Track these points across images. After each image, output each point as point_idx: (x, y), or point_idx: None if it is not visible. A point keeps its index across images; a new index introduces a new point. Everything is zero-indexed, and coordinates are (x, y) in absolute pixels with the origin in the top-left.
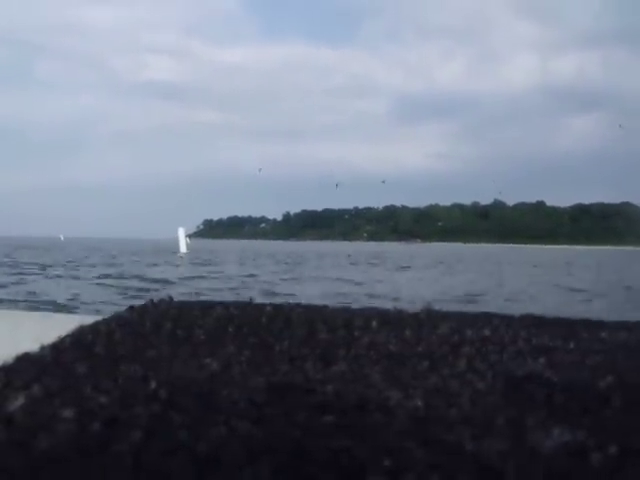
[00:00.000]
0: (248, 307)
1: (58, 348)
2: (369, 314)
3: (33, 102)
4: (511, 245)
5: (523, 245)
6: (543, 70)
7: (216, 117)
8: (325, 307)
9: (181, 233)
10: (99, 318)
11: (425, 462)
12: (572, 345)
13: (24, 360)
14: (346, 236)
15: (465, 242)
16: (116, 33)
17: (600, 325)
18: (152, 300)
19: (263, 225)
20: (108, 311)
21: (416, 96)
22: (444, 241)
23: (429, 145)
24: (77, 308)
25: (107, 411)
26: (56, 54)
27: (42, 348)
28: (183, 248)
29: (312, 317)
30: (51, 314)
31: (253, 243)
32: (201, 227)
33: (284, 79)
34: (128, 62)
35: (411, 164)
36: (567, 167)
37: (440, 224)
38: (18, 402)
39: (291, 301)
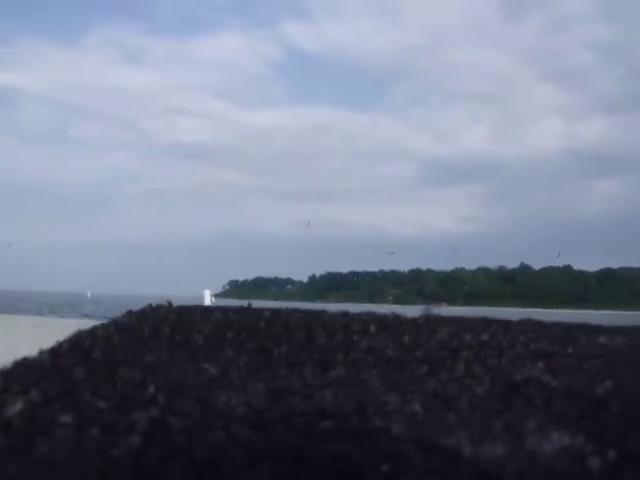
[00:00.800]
0: (246, 312)
1: (56, 353)
2: (367, 319)
3: (67, 160)
4: (538, 310)
5: (550, 310)
6: (568, 134)
7: (244, 178)
8: (323, 312)
9: (206, 295)
10: (97, 323)
11: (423, 467)
12: (570, 350)
13: (22, 365)
14: (371, 299)
15: (490, 306)
16: (148, 95)
17: (598, 330)
18: (150, 305)
19: (289, 287)
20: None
21: (442, 159)
22: (469, 305)
23: (455, 208)
24: None
25: (106, 416)
26: (90, 114)
27: (40, 353)
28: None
29: (310, 322)
30: (49, 319)
31: (278, 304)
32: (227, 287)
33: (311, 142)
34: (159, 123)
35: (437, 227)
36: (593, 230)
37: (466, 288)
38: (16, 407)
39: None
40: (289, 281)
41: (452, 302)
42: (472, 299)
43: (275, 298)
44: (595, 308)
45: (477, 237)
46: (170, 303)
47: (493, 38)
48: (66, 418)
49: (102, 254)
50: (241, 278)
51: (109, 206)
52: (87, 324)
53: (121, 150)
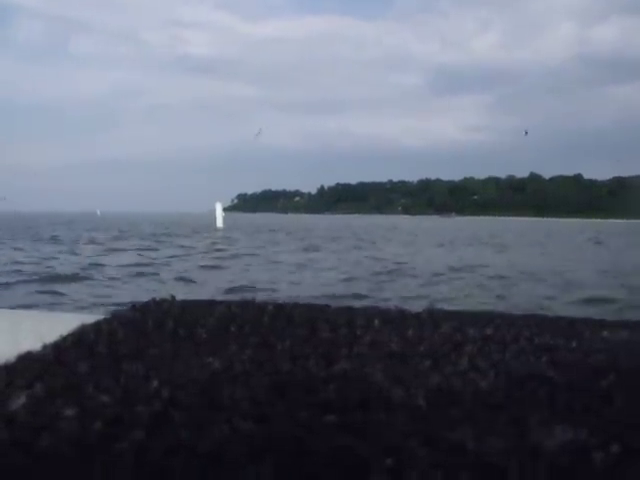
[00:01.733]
0: (250, 306)
1: (60, 347)
2: (371, 313)
3: (68, 77)
4: (549, 219)
5: (560, 219)
6: (583, 39)
7: (250, 91)
8: (327, 306)
9: (218, 208)
10: (101, 317)
11: (427, 461)
12: (574, 344)
13: (26, 359)
14: (380, 209)
15: (500, 215)
16: (149, 8)
17: (602, 324)
18: (154, 299)
19: (297, 199)
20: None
21: (452, 68)
22: (479, 215)
23: (465, 117)
24: None
25: (109, 410)
26: (91, 29)
27: (44, 347)
28: (220, 223)
29: (314, 316)
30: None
31: (287, 217)
32: (235, 201)
33: (318, 52)
34: (161, 36)
35: (446, 137)
36: (606, 139)
37: (475, 197)
38: (20, 401)
39: None
40: (297, 193)
41: (461, 211)
42: (481, 209)
43: (283, 211)
44: (605, 217)
45: (486, 146)
46: (173, 297)
47: None
48: (70, 412)
49: (109, 172)
50: (249, 191)
51: (113, 123)
52: (91, 318)
53: (123, 65)
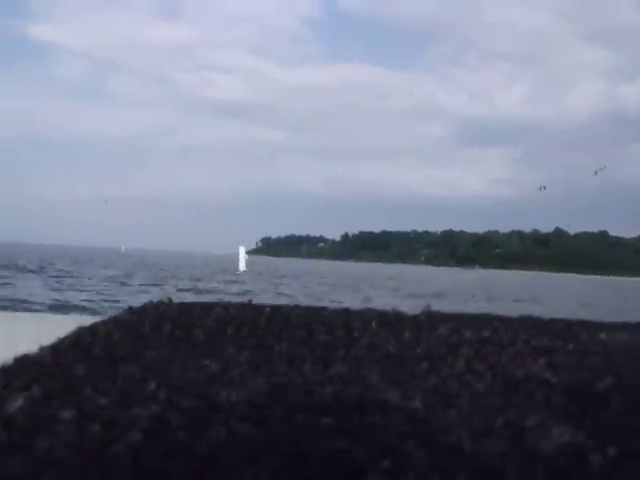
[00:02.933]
0: (247, 308)
1: (57, 349)
2: (368, 315)
3: (103, 115)
4: (573, 275)
5: (585, 276)
6: (610, 96)
7: (278, 136)
8: (324, 309)
9: (242, 252)
10: (98, 319)
11: (424, 463)
12: (571, 346)
13: (23, 361)
14: (403, 259)
15: (523, 270)
16: (183, 51)
17: (599, 326)
18: (151, 301)
19: (321, 245)
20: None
21: (479, 120)
22: (502, 268)
23: (490, 170)
24: None
25: (106, 412)
26: (127, 70)
27: (41, 349)
28: (243, 266)
29: (311, 318)
30: (49, 315)
31: (311, 263)
32: (259, 244)
33: (347, 100)
34: (194, 79)
35: (471, 189)
36: (633, 197)
37: (498, 251)
38: (17, 403)
39: None
40: (321, 239)
41: (484, 264)
42: (505, 262)
43: (307, 256)
44: (631, 275)
45: (511, 200)
46: (170, 299)
47: None
48: (67, 414)
49: (138, 209)
50: (274, 235)
51: (144, 161)
52: (88, 320)
53: (157, 106)
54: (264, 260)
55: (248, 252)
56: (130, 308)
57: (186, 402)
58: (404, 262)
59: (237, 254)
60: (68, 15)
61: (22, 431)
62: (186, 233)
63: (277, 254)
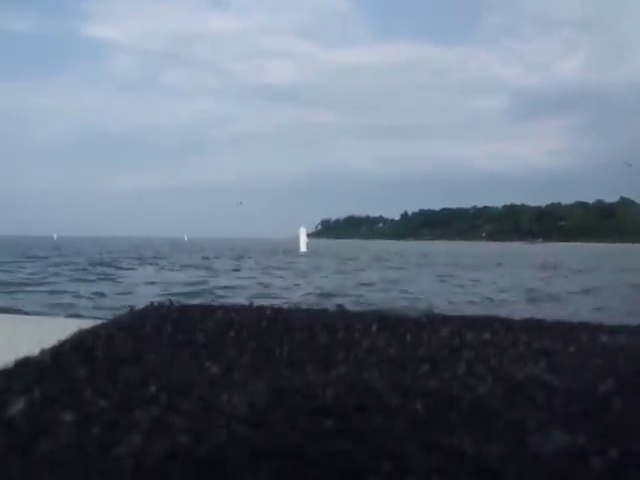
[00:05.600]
0: (248, 311)
1: (58, 352)
2: (369, 318)
3: (157, 108)
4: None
5: None
6: None
7: (332, 117)
8: (325, 311)
9: (302, 233)
10: (99, 322)
11: (425, 466)
12: (572, 349)
13: (24, 364)
14: (464, 235)
15: (588, 242)
16: (234, 39)
17: (600, 329)
18: (152, 303)
19: (380, 225)
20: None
21: (536, 91)
22: (566, 241)
23: (550, 141)
24: None
25: (107, 415)
26: (179, 61)
27: (42, 352)
28: (303, 247)
29: (312, 321)
30: (51, 318)
31: (370, 243)
32: (319, 227)
33: (399, 78)
34: (246, 67)
35: (531, 161)
36: None
37: (562, 223)
38: (18, 406)
39: None
40: (381, 219)
41: (547, 238)
42: (569, 235)
43: (367, 237)
44: None
45: (573, 170)
46: (171, 301)
47: None
48: (68, 417)
49: (196, 198)
50: (333, 218)
51: (200, 150)
52: (89, 323)
53: (210, 95)
54: (324, 243)
55: (308, 235)
56: (131, 310)
57: (187, 405)
58: (466, 239)
59: (296, 238)
60: (121, 12)
61: (23, 434)
62: (246, 220)
63: (337, 236)
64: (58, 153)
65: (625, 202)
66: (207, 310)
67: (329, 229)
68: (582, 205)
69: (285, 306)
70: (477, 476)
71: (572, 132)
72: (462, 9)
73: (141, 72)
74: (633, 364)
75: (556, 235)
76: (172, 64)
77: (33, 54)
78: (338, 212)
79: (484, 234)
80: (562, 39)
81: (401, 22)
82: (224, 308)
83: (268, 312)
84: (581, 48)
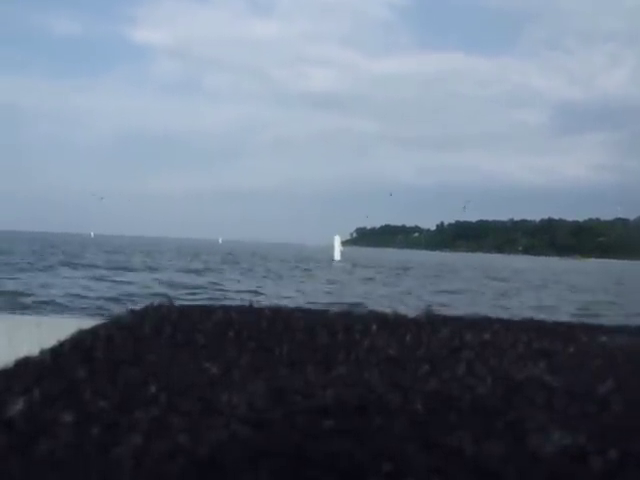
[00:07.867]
0: (248, 311)
1: (58, 352)
2: (369, 318)
3: (200, 111)
4: None
5: None
6: None
7: (372, 126)
8: (325, 311)
9: (337, 241)
10: (98, 322)
11: (425, 466)
12: (572, 349)
13: (24, 365)
14: (500, 249)
15: (627, 259)
16: (277, 46)
17: (600, 329)
18: (152, 303)
19: (416, 235)
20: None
21: (578, 105)
22: (604, 257)
23: (591, 156)
24: None
25: (107, 415)
26: (222, 66)
27: (42, 352)
28: (337, 256)
29: (312, 321)
30: (50, 318)
31: (406, 253)
32: (354, 235)
33: (440, 88)
34: (288, 73)
35: (570, 175)
36: None
37: (600, 239)
38: (18, 407)
39: None
40: (416, 229)
41: (585, 254)
42: (607, 251)
43: (402, 246)
44: None
45: (614, 186)
46: (171, 302)
47: None
48: (67, 417)
49: (233, 202)
50: (368, 226)
51: (239, 154)
52: (88, 323)
53: (252, 100)
54: (359, 251)
55: (343, 243)
56: (131, 310)
57: (187, 405)
58: (501, 252)
59: (330, 245)
60: (165, 17)
61: (23, 434)
62: (282, 225)
63: (372, 244)
64: (100, 153)
65: None
66: (207, 310)
67: (364, 237)
68: (622, 221)
69: (285, 307)
70: (477, 476)
71: (614, 147)
72: (505, 21)
73: (183, 76)
74: (633, 364)
75: (594, 251)
76: (214, 69)
77: (80, 56)
78: (374, 221)
79: (520, 248)
80: (606, 53)
81: (442, 32)
82: (224, 308)
83: (267, 312)
84: (626, 62)
